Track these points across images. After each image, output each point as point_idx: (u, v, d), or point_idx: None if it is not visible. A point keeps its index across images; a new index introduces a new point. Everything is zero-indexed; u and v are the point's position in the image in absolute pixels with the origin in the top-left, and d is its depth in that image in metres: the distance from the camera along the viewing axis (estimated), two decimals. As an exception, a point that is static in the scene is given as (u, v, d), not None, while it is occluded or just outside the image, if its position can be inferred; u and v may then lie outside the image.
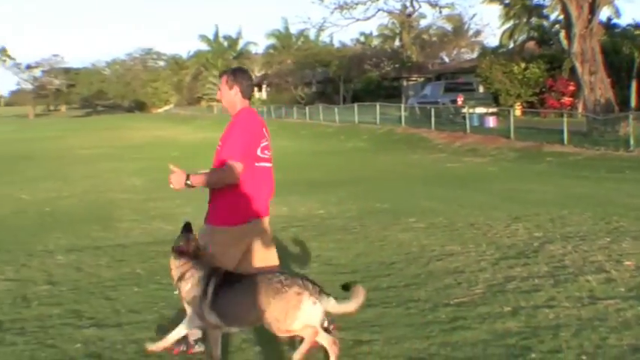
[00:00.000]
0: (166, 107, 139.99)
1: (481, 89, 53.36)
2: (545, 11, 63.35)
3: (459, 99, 46.04)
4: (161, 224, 15.85)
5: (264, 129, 7.26)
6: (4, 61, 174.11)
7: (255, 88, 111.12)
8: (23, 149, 47.87)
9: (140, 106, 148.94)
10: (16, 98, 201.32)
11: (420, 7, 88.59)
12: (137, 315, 8.52)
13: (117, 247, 13.21)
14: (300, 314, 6.18)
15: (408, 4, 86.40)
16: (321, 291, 6.33)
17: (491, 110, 43.51)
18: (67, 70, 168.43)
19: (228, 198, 6.95)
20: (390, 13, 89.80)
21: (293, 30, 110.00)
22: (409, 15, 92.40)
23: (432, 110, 42.60)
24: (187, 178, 6.72)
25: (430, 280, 9.95)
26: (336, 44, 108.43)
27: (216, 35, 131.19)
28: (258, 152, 7.04)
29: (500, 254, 11.46)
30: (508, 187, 20.56)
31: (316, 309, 6.25)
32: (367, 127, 48.14)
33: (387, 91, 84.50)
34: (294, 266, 11.13)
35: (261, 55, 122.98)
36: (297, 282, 6.29)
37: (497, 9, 71.70)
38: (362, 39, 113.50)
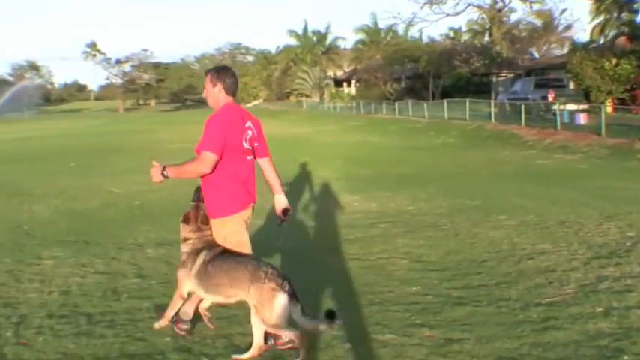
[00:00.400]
0: (255, 102, 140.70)
1: (571, 85, 52.59)
2: (635, 6, 62.33)
3: (550, 95, 45.43)
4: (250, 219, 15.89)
5: (248, 122, 7.54)
6: (94, 55, 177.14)
7: (344, 84, 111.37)
8: (113, 142, 48.50)
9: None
10: (105, 92, 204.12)
11: (510, 1, 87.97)
12: (227, 309, 8.52)
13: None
14: (273, 307, 6.67)
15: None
16: (294, 296, 6.81)
17: (581, 107, 42.81)
18: (156, 65, 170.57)
19: (227, 189, 7.37)
20: (479, 7, 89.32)
21: (382, 25, 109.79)
22: (499, 10, 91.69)
23: (522, 106, 42.12)
24: (164, 169, 7.32)
25: (521, 279, 9.86)
26: (425, 39, 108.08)
27: (304, 30, 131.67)
28: (244, 144, 7.41)
29: (591, 253, 11.30)
30: (599, 185, 20.23)
31: (287, 304, 6.71)
32: (457, 123, 47.78)
33: (476, 87, 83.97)
34: (384, 262, 11.10)
35: (350, 51, 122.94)
36: (278, 280, 6.77)
37: (587, 4, 70.63)
38: (451, 34, 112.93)
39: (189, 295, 7.55)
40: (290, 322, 6.80)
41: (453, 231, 13.63)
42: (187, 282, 7.33)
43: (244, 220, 7.59)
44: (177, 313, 7.72)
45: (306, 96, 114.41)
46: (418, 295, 9.14)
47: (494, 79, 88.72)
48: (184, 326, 7.75)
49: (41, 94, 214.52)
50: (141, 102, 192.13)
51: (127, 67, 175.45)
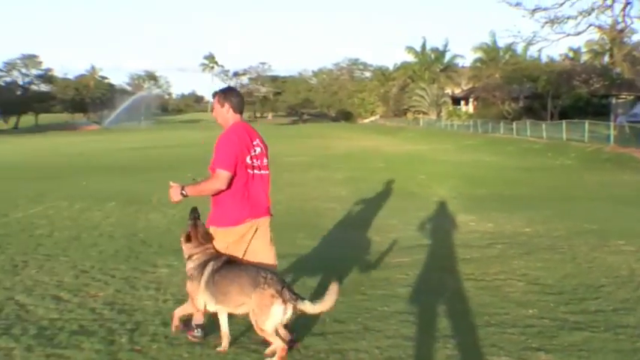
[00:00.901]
0: (372, 118, 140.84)
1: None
2: None
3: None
4: (366, 235, 15.88)
5: (257, 140, 8.08)
6: (212, 67, 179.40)
7: (462, 102, 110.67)
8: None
9: (346, 116, 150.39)
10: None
11: (632, 22, 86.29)
12: (341, 325, 8.55)
13: (322, 256, 13.39)
14: (270, 313, 7.11)
15: (619, 19, 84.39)
16: (297, 297, 7.21)
17: None
18: (274, 78, 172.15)
19: (227, 202, 7.84)
20: (600, 28, 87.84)
21: (501, 44, 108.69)
22: (621, 31, 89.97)
23: (643, 129, 41.31)
24: (182, 189, 7.82)
25: (640, 306, 9.62)
26: (544, 59, 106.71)
27: (423, 47, 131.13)
28: (248, 160, 7.85)
29: None
30: None
31: (282, 314, 7.15)
32: (575, 144, 47.05)
33: (595, 109, 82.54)
34: (500, 284, 10.97)
35: (468, 69, 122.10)
36: (277, 286, 7.17)
37: None
38: (570, 54, 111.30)
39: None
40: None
41: (570, 254, 13.36)
42: (199, 295, 7.69)
43: (240, 234, 7.92)
44: (188, 322, 8.18)
45: (424, 113, 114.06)
46: (534, 319, 8.99)
47: (613, 100, 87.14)
48: (197, 333, 8.15)
49: (159, 104, 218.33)
50: (258, 115, 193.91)
51: (244, 79, 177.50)
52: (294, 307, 7.20)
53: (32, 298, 10.18)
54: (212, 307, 7.71)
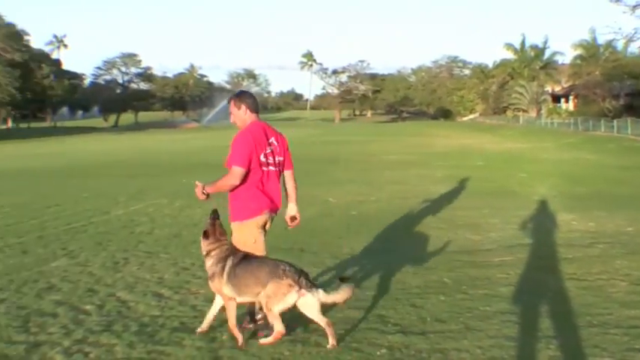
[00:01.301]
0: (471, 116, 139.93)
1: None
2: None
3: None
4: (467, 233, 15.77)
5: (272, 139, 8.64)
6: (311, 65, 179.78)
7: (562, 99, 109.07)
8: (329, 152, 49.09)
9: (445, 114, 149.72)
10: (321, 102, 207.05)
11: None
12: (442, 324, 8.51)
13: (423, 255, 13.28)
14: (284, 300, 7.64)
15: None
16: (312, 286, 7.79)
17: None
18: (372, 76, 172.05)
19: (243, 196, 8.37)
20: None
21: (601, 40, 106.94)
22: None
23: None
24: (203, 188, 8.40)
25: None
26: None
27: (522, 44, 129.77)
28: (262, 158, 8.40)
29: None
30: None
31: (294, 300, 7.66)
32: (678, 143, 46.13)
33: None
34: (603, 284, 10.79)
35: (568, 66, 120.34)
36: (295, 276, 7.69)
37: None
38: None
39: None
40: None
41: (676, 255, 13.06)
42: (224, 288, 8.08)
43: (261, 224, 8.49)
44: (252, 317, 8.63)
45: (523, 111, 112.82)
46: (638, 319, 8.80)
47: None
48: (248, 325, 8.58)
49: (258, 102, 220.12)
50: (357, 112, 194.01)
51: (343, 77, 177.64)
52: (313, 296, 7.69)
53: (133, 295, 10.41)
54: (238, 299, 8.10)
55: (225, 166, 8.39)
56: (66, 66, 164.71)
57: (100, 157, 46.79)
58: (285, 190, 8.96)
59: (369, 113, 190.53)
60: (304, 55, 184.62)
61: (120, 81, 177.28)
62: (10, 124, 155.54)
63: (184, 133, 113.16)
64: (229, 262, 8.03)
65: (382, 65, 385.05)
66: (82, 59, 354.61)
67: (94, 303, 9.76)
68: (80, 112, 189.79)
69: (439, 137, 71.88)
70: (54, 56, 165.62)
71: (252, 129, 8.53)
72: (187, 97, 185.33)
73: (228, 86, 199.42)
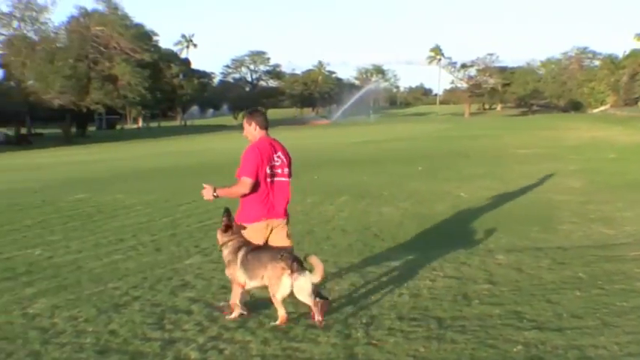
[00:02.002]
0: (602, 107, 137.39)
1: None
2: None
3: None
4: (601, 228, 15.50)
5: (279, 152, 9.64)
6: (439, 59, 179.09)
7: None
8: (459, 147, 48.64)
9: (575, 106, 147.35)
10: (450, 96, 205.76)
11: None
12: (579, 320, 8.35)
13: (557, 250, 13.04)
14: (281, 284, 8.55)
15: None
16: (302, 269, 8.61)
17: None
18: (502, 69, 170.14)
19: (248, 204, 9.44)
20: None
21: None
22: None
23: None
24: (214, 190, 9.36)
25: None
26: None
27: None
28: (267, 170, 9.37)
29: None
30: None
31: (289, 284, 8.53)
32: None
33: None
34: None
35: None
36: (288, 261, 8.62)
37: None
38: None
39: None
40: None
41: None
42: (238, 273, 9.09)
43: (265, 228, 9.46)
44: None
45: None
46: None
47: None
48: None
49: (386, 97, 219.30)
50: (486, 106, 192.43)
51: (472, 71, 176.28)
52: (306, 278, 8.54)
53: (266, 292, 10.33)
54: (248, 283, 9.06)
55: (236, 176, 9.39)
56: (195, 65, 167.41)
57: (230, 155, 47.13)
58: None
59: (498, 107, 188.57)
60: (432, 50, 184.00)
61: (249, 79, 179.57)
62: (140, 123, 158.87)
63: (314, 130, 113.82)
64: (242, 252, 9.08)
65: (511, 58, 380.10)
66: (210, 58, 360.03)
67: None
68: (210, 111, 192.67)
69: (570, 130, 70.59)
70: (183, 56, 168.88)
71: (260, 144, 9.52)
72: (316, 93, 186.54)
73: (356, 82, 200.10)
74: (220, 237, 9.36)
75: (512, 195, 21.10)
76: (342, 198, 21.43)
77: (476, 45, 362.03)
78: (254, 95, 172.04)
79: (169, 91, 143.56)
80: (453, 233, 15.18)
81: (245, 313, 9.24)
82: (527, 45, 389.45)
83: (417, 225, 16.31)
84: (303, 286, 8.50)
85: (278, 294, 8.57)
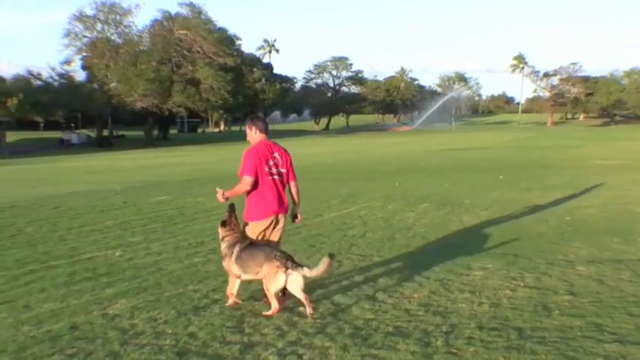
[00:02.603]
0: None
1: None
2: None
3: None
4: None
5: (277, 153, 10.61)
6: (521, 68, 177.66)
7: None
8: (541, 156, 48.35)
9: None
10: (532, 105, 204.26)
11: None
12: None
13: (638, 262, 12.86)
14: (275, 280, 9.56)
15: None
16: (297, 266, 9.63)
17: None
18: (585, 79, 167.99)
19: (253, 201, 10.43)
20: None
21: None
22: None
23: None
24: (223, 193, 10.38)
25: None
26: None
27: None
28: (266, 168, 10.36)
29: None
30: None
31: (284, 280, 9.54)
32: None
33: None
34: None
35: None
36: (282, 260, 9.61)
37: None
38: None
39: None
40: None
41: None
42: (233, 267, 10.08)
43: (265, 226, 10.42)
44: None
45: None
46: None
47: None
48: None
49: (468, 105, 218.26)
50: (569, 116, 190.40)
51: (554, 80, 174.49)
52: (298, 274, 9.55)
53: (347, 298, 10.55)
54: (244, 276, 10.10)
55: (238, 175, 10.39)
56: (277, 70, 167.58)
57: (311, 160, 47.36)
58: (291, 195, 10.80)
59: (581, 116, 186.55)
60: (515, 58, 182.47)
61: (331, 84, 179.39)
62: (222, 127, 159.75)
63: (396, 137, 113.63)
64: (237, 247, 10.03)
65: (594, 68, 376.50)
66: (292, 63, 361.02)
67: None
68: (292, 116, 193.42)
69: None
70: (265, 60, 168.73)
71: (258, 146, 10.51)
72: (398, 100, 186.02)
73: (438, 89, 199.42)
74: (220, 231, 10.43)
75: (593, 206, 20.84)
76: (423, 205, 21.40)
77: (559, 54, 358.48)
78: (336, 101, 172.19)
79: (251, 96, 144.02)
80: (533, 243, 15.02)
81: (239, 302, 10.33)
82: (610, 55, 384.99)
83: (498, 234, 16.18)
84: (296, 281, 9.54)
85: (272, 288, 9.61)
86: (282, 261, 9.55)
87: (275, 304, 9.64)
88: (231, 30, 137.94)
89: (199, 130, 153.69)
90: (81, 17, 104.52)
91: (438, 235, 16.27)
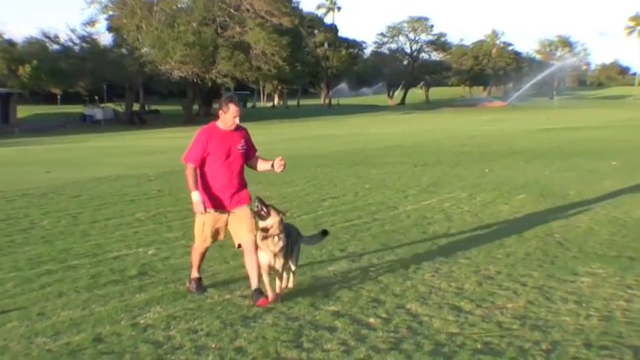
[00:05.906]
0: None
1: None
2: None
3: None
4: None
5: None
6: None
7: None
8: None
9: None
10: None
11: None
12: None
13: None
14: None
15: None
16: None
17: None
18: None
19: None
20: None
21: None
22: None
23: None
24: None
25: None
26: None
27: None
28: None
29: None
30: None
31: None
32: None
33: None
34: None
35: None
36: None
37: None
38: None
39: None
40: None
41: None
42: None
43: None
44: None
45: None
46: None
47: None
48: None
49: (574, 76, 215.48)
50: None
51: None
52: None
53: (426, 308, 10.23)
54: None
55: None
56: (342, 32, 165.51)
57: (384, 142, 47.29)
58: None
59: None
60: (631, 19, 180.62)
61: (407, 50, 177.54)
62: (277, 101, 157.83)
63: (487, 114, 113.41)
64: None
65: None
66: (361, 25, 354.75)
67: (379, 315, 9.67)
68: (361, 88, 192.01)
69: None
70: (327, 21, 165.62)
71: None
72: (489, 69, 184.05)
73: (537, 57, 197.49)
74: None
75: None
76: (518, 197, 21.07)
77: None
78: (414, 70, 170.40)
79: (312, 64, 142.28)
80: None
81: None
82: None
83: (610, 232, 15.81)
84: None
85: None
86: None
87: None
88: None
89: (249, 105, 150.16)
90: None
91: (537, 234, 15.80)
